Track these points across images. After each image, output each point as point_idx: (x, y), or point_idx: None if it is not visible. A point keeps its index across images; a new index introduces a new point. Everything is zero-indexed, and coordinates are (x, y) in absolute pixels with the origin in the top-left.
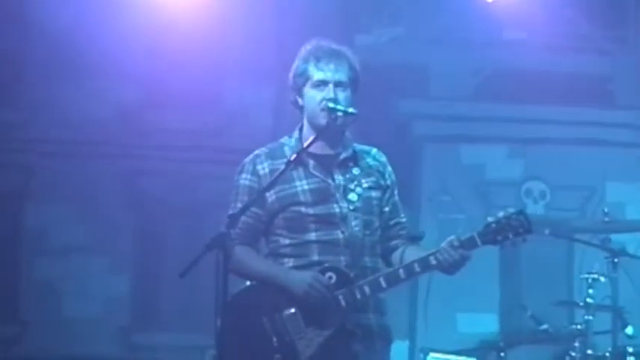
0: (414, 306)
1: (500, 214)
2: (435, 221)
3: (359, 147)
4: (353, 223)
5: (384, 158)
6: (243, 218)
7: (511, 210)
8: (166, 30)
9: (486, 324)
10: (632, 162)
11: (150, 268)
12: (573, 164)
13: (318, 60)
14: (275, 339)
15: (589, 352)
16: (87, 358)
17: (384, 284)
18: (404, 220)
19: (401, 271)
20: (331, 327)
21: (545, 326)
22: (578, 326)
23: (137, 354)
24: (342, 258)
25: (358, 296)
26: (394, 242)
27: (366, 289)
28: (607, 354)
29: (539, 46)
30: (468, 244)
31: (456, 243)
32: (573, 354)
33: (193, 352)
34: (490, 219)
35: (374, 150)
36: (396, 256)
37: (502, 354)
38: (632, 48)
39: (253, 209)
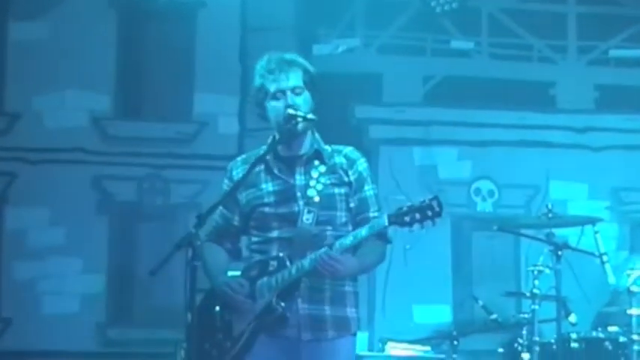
0: (372, 299)
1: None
2: None
3: (334, 147)
4: (304, 217)
5: (355, 156)
6: (215, 217)
7: (429, 196)
8: (137, 44)
9: (440, 315)
10: (573, 162)
11: (123, 267)
12: (519, 164)
13: (271, 72)
14: (219, 320)
15: (536, 339)
16: (65, 353)
17: (293, 272)
18: (373, 215)
19: (306, 261)
20: (260, 305)
21: (494, 316)
22: (526, 315)
23: (112, 348)
24: (294, 252)
25: (274, 283)
26: None
27: (286, 275)
28: (552, 340)
29: (486, 55)
30: (377, 224)
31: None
32: (521, 341)
33: (166, 345)
34: (405, 204)
35: (348, 149)
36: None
37: (455, 342)
38: (572, 56)
39: (224, 211)
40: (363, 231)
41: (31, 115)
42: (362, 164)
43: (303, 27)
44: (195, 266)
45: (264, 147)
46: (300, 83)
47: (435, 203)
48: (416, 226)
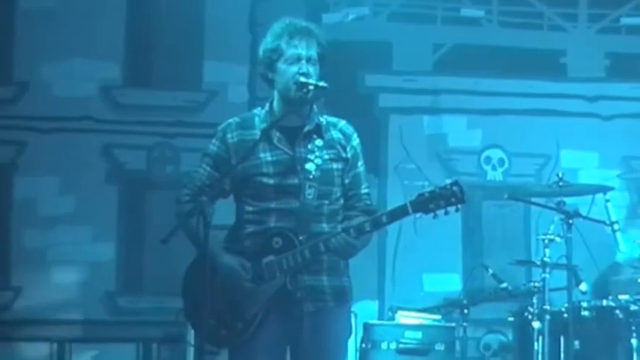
0: (382, 268)
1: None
2: (402, 188)
3: (328, 119)
4: (307, 192)
5: (350, 131)
6: (201, 177)
7: (448, 181)
8: (147, 12)
9: (450, 283)
10: (584, 130)
11: (133, 235)
12: (529, 133)
13: (291, 37)
14: (222, 298)
15: (546, 307)
16: (75, 321)
17: (307, 255)
18: (363, 192)
19: (320, 244)
20: (273, 287)
21: (505, 284)
22: (536, 284)
23: (122, 317)
24: (295, 225)
25: (285, 265)
26: (349, 213)
27: (299, 258)
28: (563, 309)
29: (496, 23)
30: (400, 212)
31: (352, 231)
32: (532, 309)
33: (175, 313)
34: (426, 189)
35: (342, 122)
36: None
37: (465, 311)
38: (582, 24)
39: (215, 173)
40: (384, 218)
41: (40, 84)
42: (356, 139)
43: None
44: (207, 234)
45: (259, 111)
46: (315, 55)
47: (456, 189)
48: (440, 212)
